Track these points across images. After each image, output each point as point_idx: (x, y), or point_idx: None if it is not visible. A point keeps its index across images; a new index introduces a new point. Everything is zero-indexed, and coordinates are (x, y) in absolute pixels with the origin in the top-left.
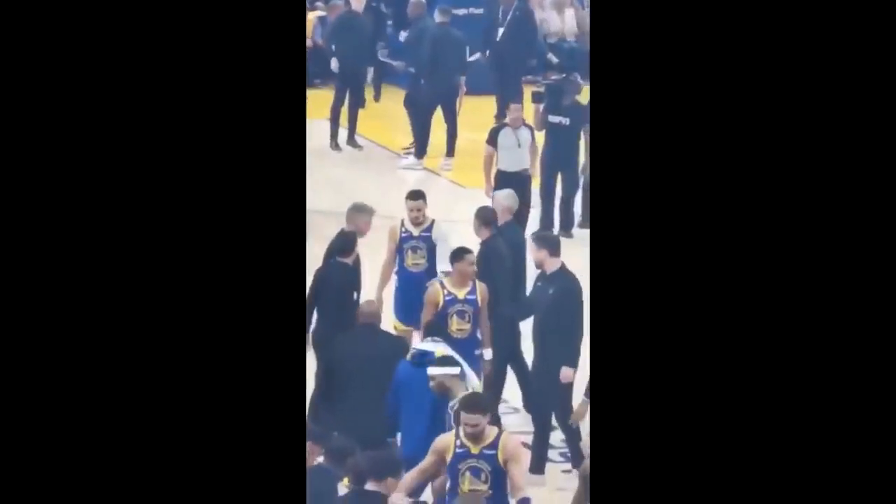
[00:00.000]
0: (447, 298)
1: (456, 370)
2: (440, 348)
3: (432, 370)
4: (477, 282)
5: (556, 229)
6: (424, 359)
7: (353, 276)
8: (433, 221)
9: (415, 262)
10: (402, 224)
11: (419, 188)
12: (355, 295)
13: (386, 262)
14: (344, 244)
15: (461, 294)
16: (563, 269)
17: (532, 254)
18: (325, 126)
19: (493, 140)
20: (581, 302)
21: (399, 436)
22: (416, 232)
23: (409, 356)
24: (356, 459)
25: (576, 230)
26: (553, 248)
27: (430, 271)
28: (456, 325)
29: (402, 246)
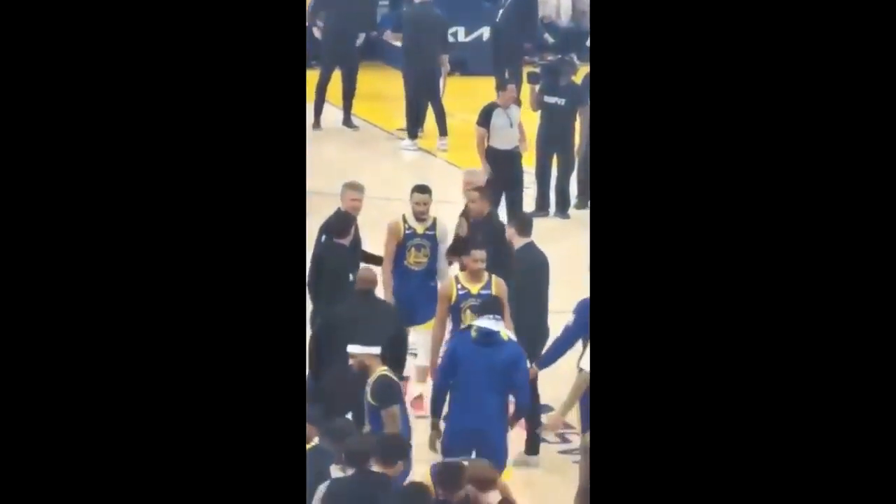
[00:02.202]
0: (460, 293)
1: (376, 350)
2: (502, 327)
3: (352, 348)
4: (494, 277)
5: (551, 210)
6: (490, 338)
7: (349, 258)
8: (435, 219)
9: (417, 260)
10: (405, 220)
11: (418, 172)
12: (351, 276)
13: (385, 261)
14: (339, 224)
15: (475, 289)
16: (529, 245)
17: (507, 231)
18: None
19: (485, 121)
20: (546, 277)
21: (445, 410)
22: (420, 229)
23: (473, 332)
24: (354, 440)
25: (572, 211)
26: (521, 226)
27: (431, 270)
28: (469, 321)
29: (405, 243)
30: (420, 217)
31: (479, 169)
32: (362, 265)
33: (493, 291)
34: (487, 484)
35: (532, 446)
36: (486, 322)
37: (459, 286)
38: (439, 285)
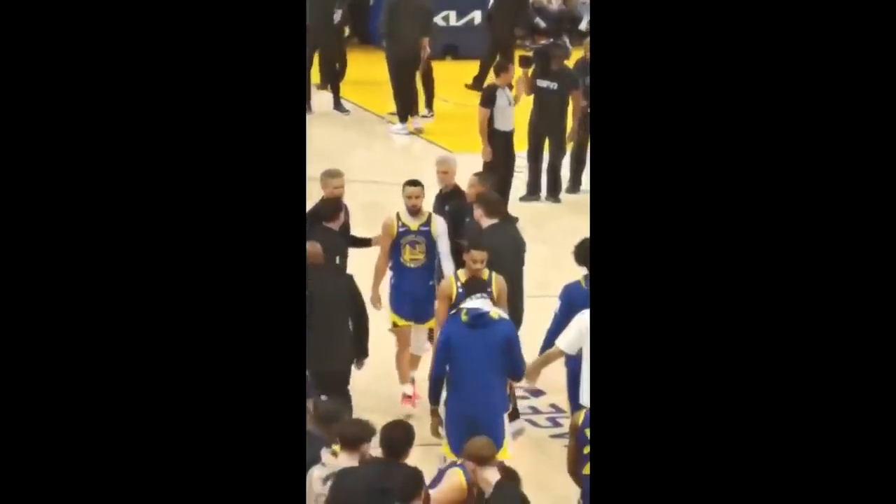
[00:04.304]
0: (460, 291)
1: None
2: (489, 304)
3: None
4: (494, 275)
5: (543, 194)
6: (481, 319)
7: (338, 242)
8: (430, 215)
9: (413, 257)
10: (399, 217)
11: (409, 155)
12: (338, 259)
13: (380, 258)
14: (327, 210)
15: None
16: (498, 225)
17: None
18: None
19: (489, 101)
20: (519, 257)
21: (444, 396)
22: (414, 226)
23: (463, 316)
24: (346, 426)
25: (563, 195)
26: (489, 208)
27: (429, 267)
28: None
29: (398, 241)
30: (413, 210)
31: (452, 154)
32: (309, 242)
33: (494, 290)
34: (486, 460)
35: (511, 413)
36: (475, 303)
37: (459, 284)
38: (440, 283)
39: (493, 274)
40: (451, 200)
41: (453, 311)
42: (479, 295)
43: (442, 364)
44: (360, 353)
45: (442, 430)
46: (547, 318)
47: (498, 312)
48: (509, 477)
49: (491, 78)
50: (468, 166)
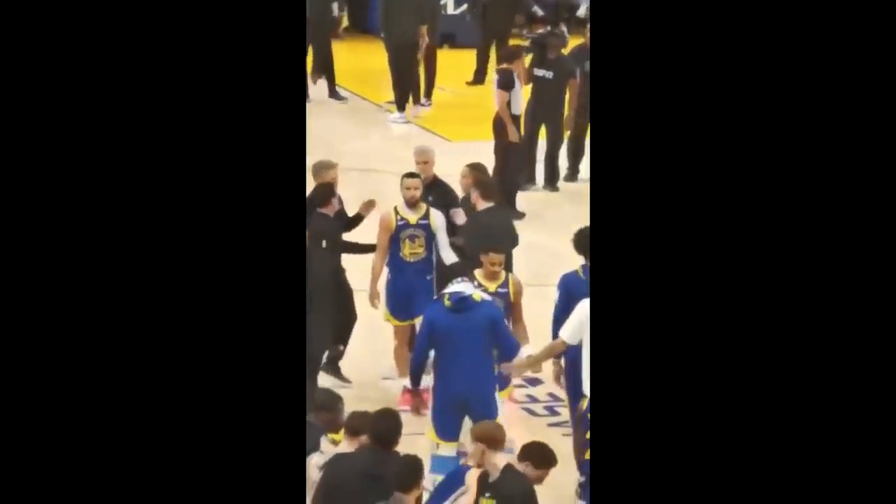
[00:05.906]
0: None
1: None
2: (471, 287)
3: None
4: (510, 276)
5: (539, 182)
6: (464, 303)
7: (331, 227)
8: (428, 207)
9: (413, 251)
10: (396, 212)
11: (403, 141)
12: (324, 243)
13: (377, 254)
14: (320, 195)
15: (492, 287)
16: (493, 209)
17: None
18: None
19: (508, 84)
20: (509, 242)
21: (431, 381)
22: (413, 219)
23: (446, 301)
24: (346, 416)
25: (561, 183)
26: (485, 190)
27: (428, 261)
28: None
29: (397, 234)
30: (411, 202)
31: (429, 146)
32: None
33: (511, 291)
34: (497, 444)
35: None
36: (457, 287)
37: (475, 283)
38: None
39: (510, 275)
40: (431, 192)
41: (435, 297)
42: (460, 279)
43: (424, 349)
44: (340, 339)
45: (426, 411)
46: (543, 306)
47: (481, 295)
48: (541, 464)
49: (492, 66)
50: (467, 155)
